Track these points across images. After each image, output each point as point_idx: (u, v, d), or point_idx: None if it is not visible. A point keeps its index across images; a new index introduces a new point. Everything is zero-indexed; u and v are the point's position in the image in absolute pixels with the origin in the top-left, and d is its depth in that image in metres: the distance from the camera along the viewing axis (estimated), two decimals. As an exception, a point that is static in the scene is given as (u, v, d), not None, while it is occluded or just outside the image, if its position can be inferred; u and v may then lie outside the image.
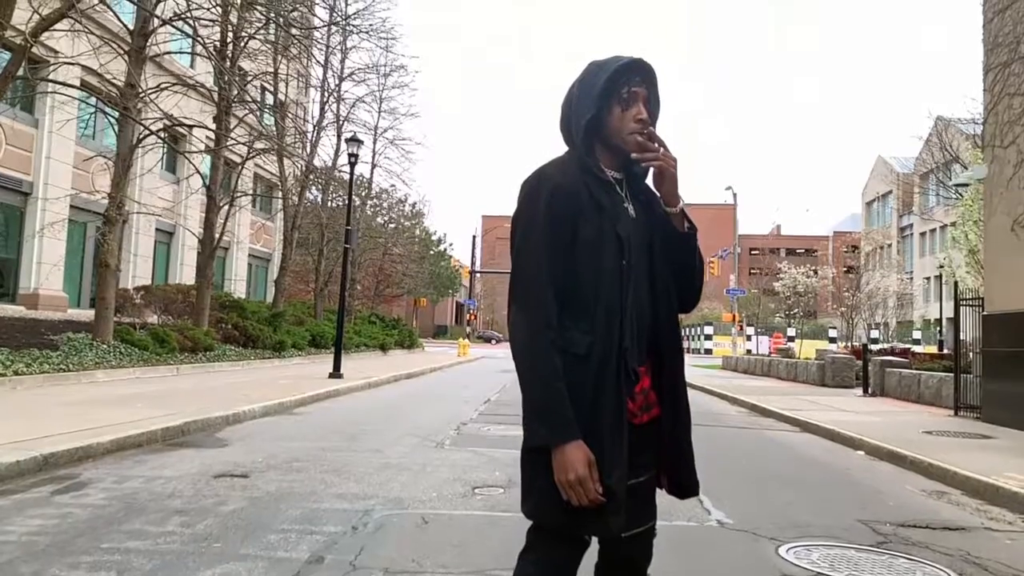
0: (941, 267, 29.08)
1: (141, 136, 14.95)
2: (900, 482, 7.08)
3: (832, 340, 30.71)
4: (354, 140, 18.22)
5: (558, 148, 2.12)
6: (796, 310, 37.86)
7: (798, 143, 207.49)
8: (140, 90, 13.81)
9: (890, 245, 61.58)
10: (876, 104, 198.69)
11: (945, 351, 27.03)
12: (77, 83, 17.08)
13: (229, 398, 10.94)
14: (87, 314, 17.77)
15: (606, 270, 1.92)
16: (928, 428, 10.40)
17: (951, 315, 14.15)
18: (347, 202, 19.12)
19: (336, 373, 16.08)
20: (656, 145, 1.97)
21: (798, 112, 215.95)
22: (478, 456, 7.49)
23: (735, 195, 44.29)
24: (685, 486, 2.08)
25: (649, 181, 2.08)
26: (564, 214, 1.91)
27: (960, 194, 23.44)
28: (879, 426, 10.56)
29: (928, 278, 55.20)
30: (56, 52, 17.63)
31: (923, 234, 57.97)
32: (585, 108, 1.97)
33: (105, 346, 14.28)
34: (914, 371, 15.63)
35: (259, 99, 28.06)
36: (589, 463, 1.80)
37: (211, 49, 16.46)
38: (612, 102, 1.97)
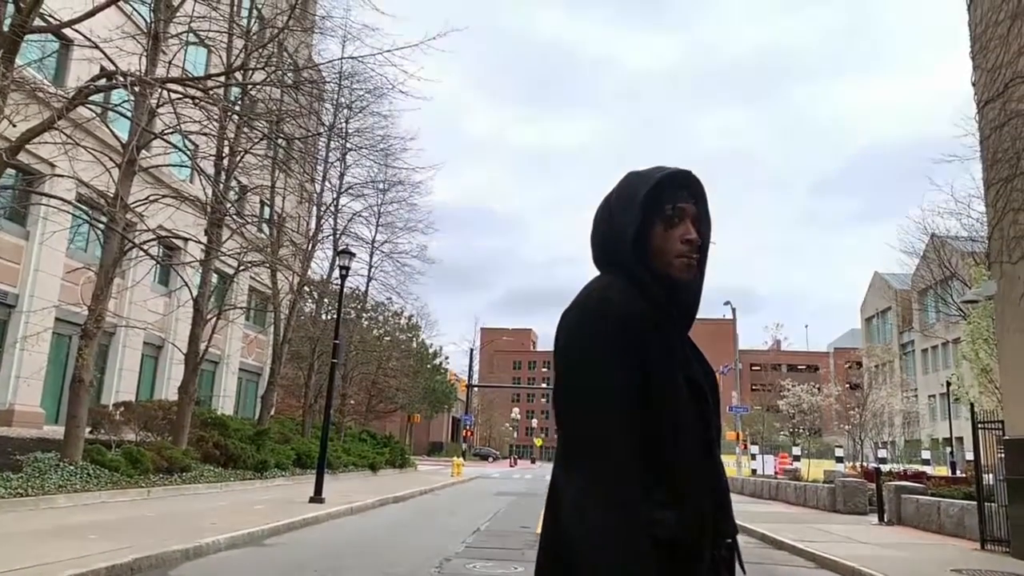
0: (949, 384, 28.36)
1: (125, 249, 14.63)
2: (937, 637, 6.24)
3: (839, 460, 29.53)
4: (345, 252, 17.92)
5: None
6: (801, 428, 36.82)
7: (795, 259, 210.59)
8: (126, 202, 13.57)
9: (892, 362, 60.80)
10: (871, 218, 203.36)
11: (959, 473, 25.99)
12: (72, 194, 16.98)
13: (194, 527, 10.08)
14: (63, 431, 17.00)
15: (686, 426, 1.51)
16: (956, 566, 9.53)
17: (960, 435, 13.41)
18: (336, 316, 18.62)
19: (317, 497, 15.11)
20: None
21: (795, 228, 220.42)
22: (459, 602, 6.67)
23: (734, 310, 43.78)
24: None
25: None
26: (637, 356, 1.48)
27: (963, 311, 23.06)
28: (902, 563, 9.68)
29: (933, 395, 54.14)
30: (53, 165, 17.64)
31: (925, 351, 57.28)
32: (628, 222, 1.63)
33: (72, 467, 13.40)
34: (932, 497, 14.72)
35: (256, 211, 28.18)
36: None
37: (200, 167, 16.44)
38: (654, 218, 1.63)
